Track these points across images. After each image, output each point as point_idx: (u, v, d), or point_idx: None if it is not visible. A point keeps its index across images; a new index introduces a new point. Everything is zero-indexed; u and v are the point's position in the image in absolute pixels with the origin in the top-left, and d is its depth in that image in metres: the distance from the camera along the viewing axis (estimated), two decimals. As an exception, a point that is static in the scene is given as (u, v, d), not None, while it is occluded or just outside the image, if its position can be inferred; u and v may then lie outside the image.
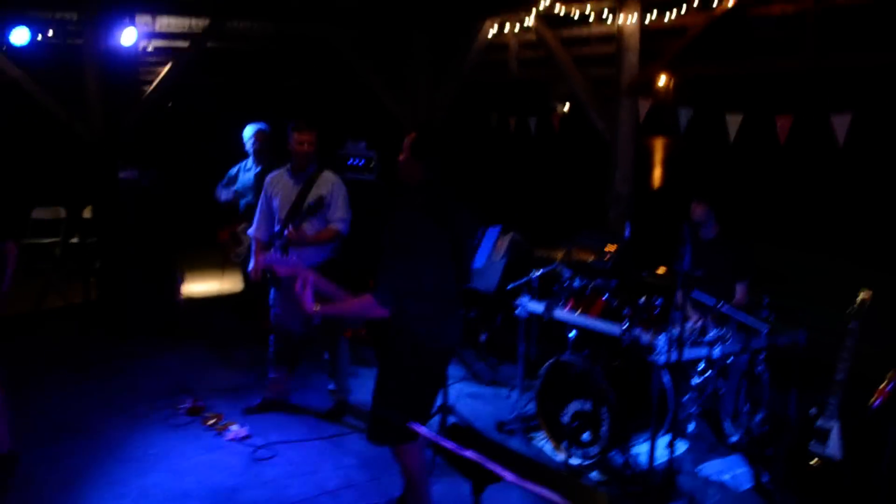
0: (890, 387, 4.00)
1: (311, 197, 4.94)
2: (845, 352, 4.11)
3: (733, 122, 5.77)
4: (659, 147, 8.16)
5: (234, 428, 5.10)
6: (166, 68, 7.34)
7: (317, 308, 3.32)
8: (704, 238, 5.07)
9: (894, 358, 4.17)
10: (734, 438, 4.83)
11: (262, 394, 5.52)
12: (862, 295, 4.13)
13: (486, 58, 7.77)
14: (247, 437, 5.03)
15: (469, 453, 2.14)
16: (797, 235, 7.62)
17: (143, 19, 7.08)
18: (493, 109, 7.78)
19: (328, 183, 5.02)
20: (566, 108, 8.42)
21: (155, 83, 7.35)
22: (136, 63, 7.26)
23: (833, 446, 4.06)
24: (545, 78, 7.39)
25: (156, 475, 4.55)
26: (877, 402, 4.00)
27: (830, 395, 4.10)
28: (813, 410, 4.19)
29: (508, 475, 2.04)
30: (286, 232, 4.90)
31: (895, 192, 7.84)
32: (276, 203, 5.10)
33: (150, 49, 7.90)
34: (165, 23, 7.30)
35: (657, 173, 8.28)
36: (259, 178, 5.92)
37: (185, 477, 4.53)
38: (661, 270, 5.10)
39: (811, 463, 4.10)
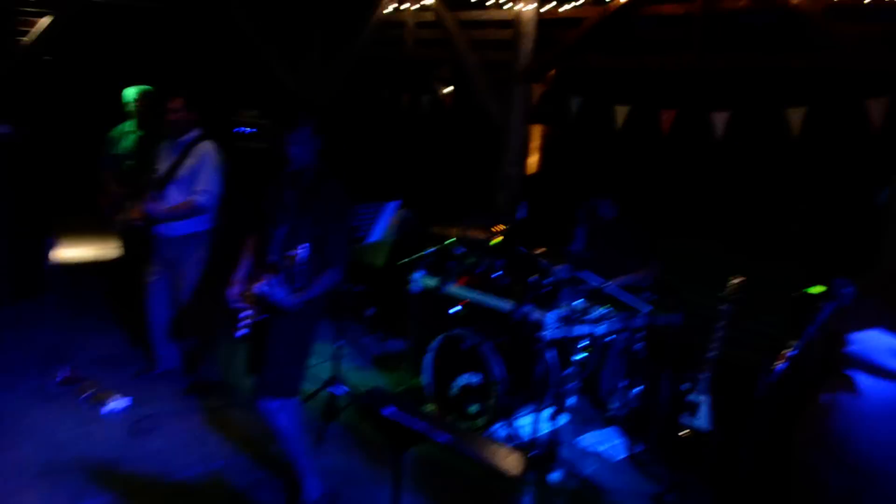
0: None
1: (185, 167, 4.90)
2: (717, 332, 4.44)
3: (620, 112, 6.08)
4: (539, 134, 8.46)
5: (115, 399, 4.95)
6: (47, 20, 6.95)
7: (297, 296, 3.46)
8: (604, 218, 5.31)
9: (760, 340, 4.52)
10: (612, 412, 5.12)
11: (145, 364, 5.44)
12: (734, 280, 4.48)
13: (383, 34, 7.78)
14: (127, 408, 4.91)
15: (392, 412, 2.22)
16: (678, 223, 8.07)
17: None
18: (387, 86, 7.81)
19: (198, 153, 4.94)
20: (450, 89, 8.51)
21: (33, 34, 6.96)
22: (6, 11, 6.81)
23: (702, 418, 4.39)
24: (440, 58, 7.47)
25: (28, 448, 4.36)
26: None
27: (702, 372, 4.43)
28: (685, 385, 4.51)
29: (441, 436, 2.12)
30: (149, 205, 4.84)
31: (768, 186, 8.45)
32: (160, 173, 5.02)
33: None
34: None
35: (539, 158, 8.53)
36: (142, 142, 5.76)
37: (61, 451, 4.36)
38: (541, 250, 5.31)
39: (681, 434, 4.41)
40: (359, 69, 7.83)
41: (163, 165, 5.02)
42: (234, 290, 3.75)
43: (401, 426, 2.23)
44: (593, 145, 7.26)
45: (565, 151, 8.42)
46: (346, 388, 4.99)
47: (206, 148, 4.97)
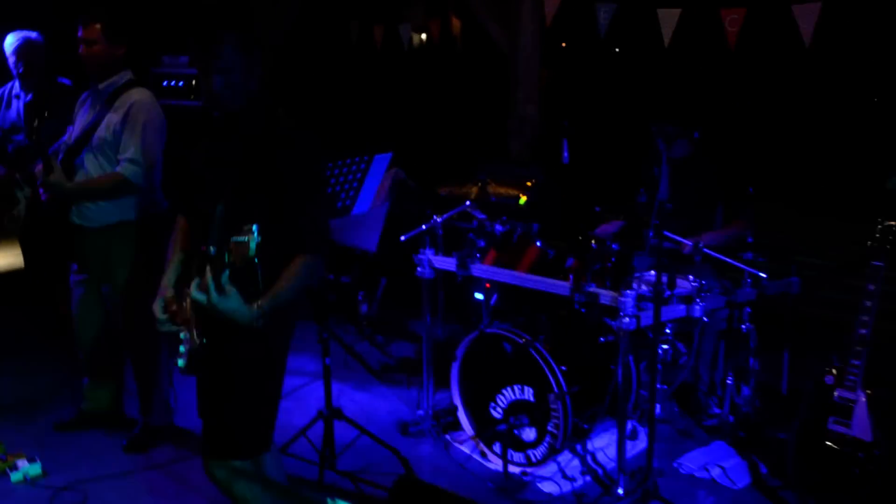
0: None
1: (108, 126, 3.68)
2: (868, 299, 3.24)
3: (668, 19, 4.80)
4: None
5: (24, 463, 3.73)
6: None
7: (258, 306, 2.41)
8: (676, 157, 4.06)
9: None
10: (715, 419, 3.99)
11: (70, 408, 4.23)
12: (888, 223, 3.23)
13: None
14: (42, 475, 3.71)
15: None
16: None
17: None
18: (355, 17, 6.45)
19: (125, 105, 3.69)
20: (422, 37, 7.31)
21: None
22: None
23: (858, 424, 3.20)
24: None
25: None
26: None
27: (852, 357, 3.22)
28: (829, 378, 3.29)
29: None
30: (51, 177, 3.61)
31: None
32: (74, 134, 3.79)
33: None
34: None
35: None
36: (30, 109, 4.47)
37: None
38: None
39: (827, 446, 3.24)
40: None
41: (75, 125, 3.81)
42: (159, 303, 2.65)
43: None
44: (634, 67, 6.02)
45: (597, 78, 7.12)
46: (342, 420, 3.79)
47: (137, 98, 3.72)
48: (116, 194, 3.70)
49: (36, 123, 4.14)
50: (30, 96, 4.54)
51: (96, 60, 3.65)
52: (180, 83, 5.51)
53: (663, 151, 3.52)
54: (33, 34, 4.54)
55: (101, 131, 3.66)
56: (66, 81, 4.66)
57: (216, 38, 2.47)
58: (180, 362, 2.62)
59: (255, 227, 2.25)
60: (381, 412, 4.38)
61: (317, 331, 3.69)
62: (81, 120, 3.78)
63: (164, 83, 5.52)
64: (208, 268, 2.35)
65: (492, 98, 5.95)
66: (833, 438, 3.25)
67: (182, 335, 2.61)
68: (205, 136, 2.71)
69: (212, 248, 2.38)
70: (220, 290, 2.30)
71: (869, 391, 3.23)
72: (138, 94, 3.72)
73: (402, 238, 4.13)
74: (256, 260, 2.33)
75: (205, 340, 2.58)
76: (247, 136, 2.58)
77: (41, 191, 3.71)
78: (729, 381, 3.89)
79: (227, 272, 2.35)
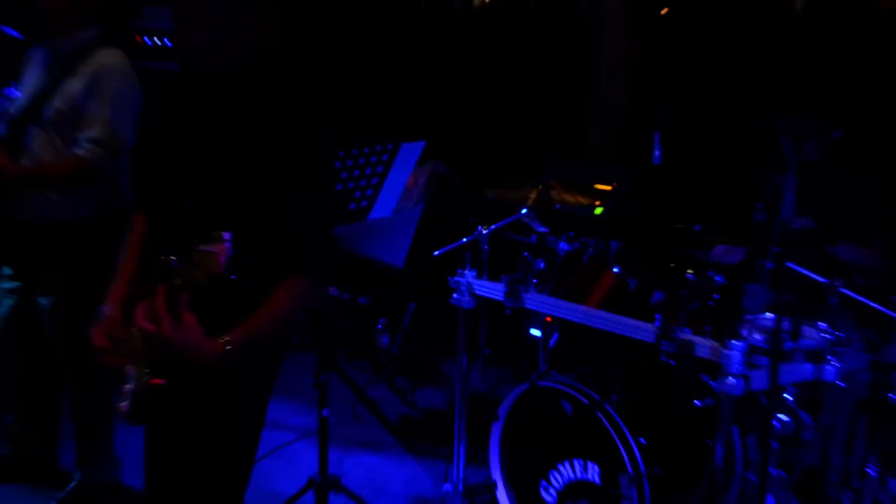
0: None
1: (66, 93, 3.56)
2: None
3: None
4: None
5: None
6: None
7: (226, 343, 2.29)
8: (807, 160, 3.85)
9: None
10: None
11: None
12: None
13: None
14: None
15: None
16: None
17: None
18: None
19: (90, 70, 3.59)
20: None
21: None
22: None
23: None
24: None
25: None
26: None
27: None
28: None
29: None
30: None
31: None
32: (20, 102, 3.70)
33: None
34: None
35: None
36: None
37: None
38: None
39: None
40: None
41: (23, 92, 3.71)
42: (101, 326, 2.52)
43: None
44: (755, 42, 5.80)
45: (705, 56, 6.92)
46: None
47: (109, 62, 3.60)
48: (73, 183, 3.61)
49: None
50: None
51: (58, 7, 3.54)
52: (166, 40, 5.45)
53: (790, 155, 3.32)
54: None
55: (58, 101, 3.56)
56: (10, 32, 4.60)
57: None
58: (123, 405, 2.47)
59: (226, 236, 2.12)
60: (396, 483, 4.28)
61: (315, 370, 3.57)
62: (30, 84, 3.68)
63: (147, 40, 5.50)
64: (164, 286, 2.22)
65: (567, 77, 5.85)
66: None
67: (127, 372, 2.46)
68: (179, 107, 2.59)
69: (173, 259, 2.26)
70: (176, 318, 2.17)
71: None
72: (108, 57, 3.61)
73: (436, 253, 4.01)
74: (233, 277, 2.20)
75: (156, 382, 2.43)
76: (234, 109, 2.47)
77: None
78: (870, 470, 3.65)
79: (187, 293, 2.21)
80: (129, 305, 2.52)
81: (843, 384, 3.53)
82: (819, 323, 3.48)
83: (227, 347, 2.26)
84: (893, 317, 3.52)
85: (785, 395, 3.61)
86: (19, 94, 3.70)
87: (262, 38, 2.51)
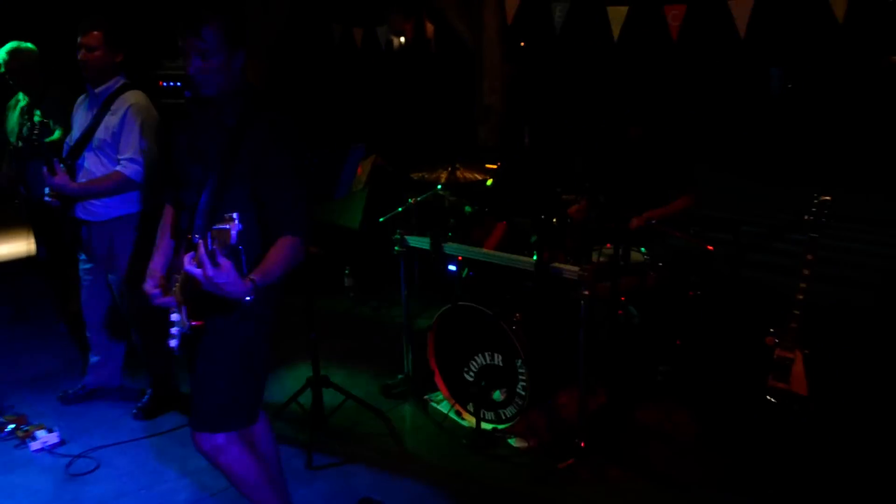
0: None
1: (106, 128, 3.29)
2: (806, 267, 2.99)
3: (616, 16, 4.42)
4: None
5: (42, 433, 3.38)
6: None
7: (251, 279, 2.06)
8: (628, 139, 3.71)
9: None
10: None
11: (81, 381, 3.83)
12: (822, 198, 2.95)
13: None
14: (59, 443, 3.37)
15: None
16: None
17: None
18: (338, 20, 6.00)
19: (121, 108, 3.30)
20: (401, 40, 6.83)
21: None
22: None
23: (797, 380, 2.86)
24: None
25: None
26: None
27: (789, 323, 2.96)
28: (770, 339, 3.02)
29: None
30: (56, 179, 3.24)
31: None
32: (74, 135, 3.40)
33: None
34: None
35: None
36: (26, 112, 4.02)
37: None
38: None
39: (767, 401, 2.94)
40: (303, 3, 5.99)
41: (76, 127, 3.42)
42: (151, 282, 2.33)
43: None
44: (587, 61, 5.61)
45: (553, 72, 6.71)
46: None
47: (132, 100, 3.33)
48: (118, 191, 3.33)
49: (28, 126, 3.76)
50: (24, 101, 4.10)
51: (95, 66, 3.25)
52: (178, 83, 5.09)
53: (615, 135, 3.20)
54: (22, 44, 4.08)
55: (101, 133, 3.28)
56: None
57: (201, 17, 2.12)
58: (172, 343, 2.29)
59: (235, 216, 1.93)
60: (364, 375, 3.99)
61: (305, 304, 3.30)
62: (80, 122, 3.39)
63: (164, 84, 5.12)
64: (202, 243, 2.00)
65: (461, 93, 5.57)
66: (773, 393, 3.01)
67: (173, 317, 2.28)
68: (184, 124, 2.34)
69: (195, 237, 2.08)
70: (216, 263, 1.97)
71: (806, 350, 2.98)
72: (134, 97, 3.33)
73: (381, 220, 3.80)
74: (240, 247, 2.03)
75: (194, 323, 2.25)
76: (225, 124, 2.23)
77: (46, 191, 3.29)
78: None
79: (220, 248, 1.98)
80: (167, 271, 2.38)
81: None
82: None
83: (252, 283, 2.05)
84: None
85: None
86: (74, 130, 3.45)
87: (247, 72, 2.29)
